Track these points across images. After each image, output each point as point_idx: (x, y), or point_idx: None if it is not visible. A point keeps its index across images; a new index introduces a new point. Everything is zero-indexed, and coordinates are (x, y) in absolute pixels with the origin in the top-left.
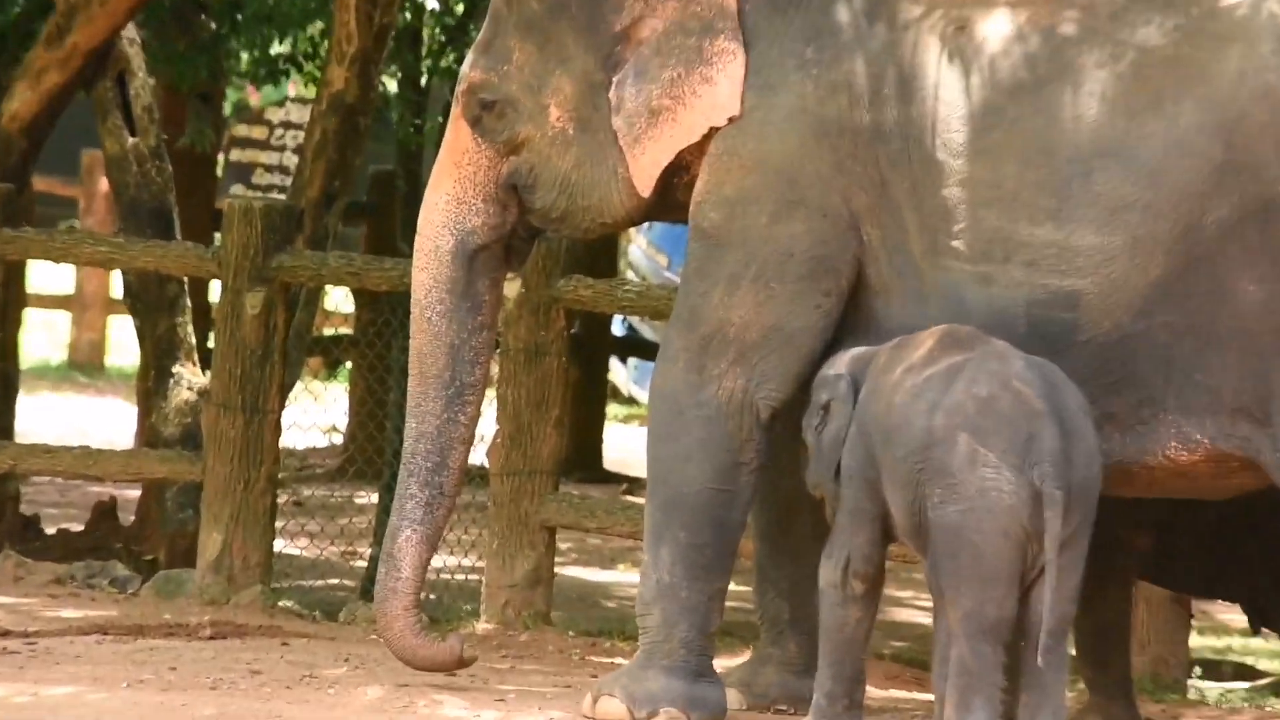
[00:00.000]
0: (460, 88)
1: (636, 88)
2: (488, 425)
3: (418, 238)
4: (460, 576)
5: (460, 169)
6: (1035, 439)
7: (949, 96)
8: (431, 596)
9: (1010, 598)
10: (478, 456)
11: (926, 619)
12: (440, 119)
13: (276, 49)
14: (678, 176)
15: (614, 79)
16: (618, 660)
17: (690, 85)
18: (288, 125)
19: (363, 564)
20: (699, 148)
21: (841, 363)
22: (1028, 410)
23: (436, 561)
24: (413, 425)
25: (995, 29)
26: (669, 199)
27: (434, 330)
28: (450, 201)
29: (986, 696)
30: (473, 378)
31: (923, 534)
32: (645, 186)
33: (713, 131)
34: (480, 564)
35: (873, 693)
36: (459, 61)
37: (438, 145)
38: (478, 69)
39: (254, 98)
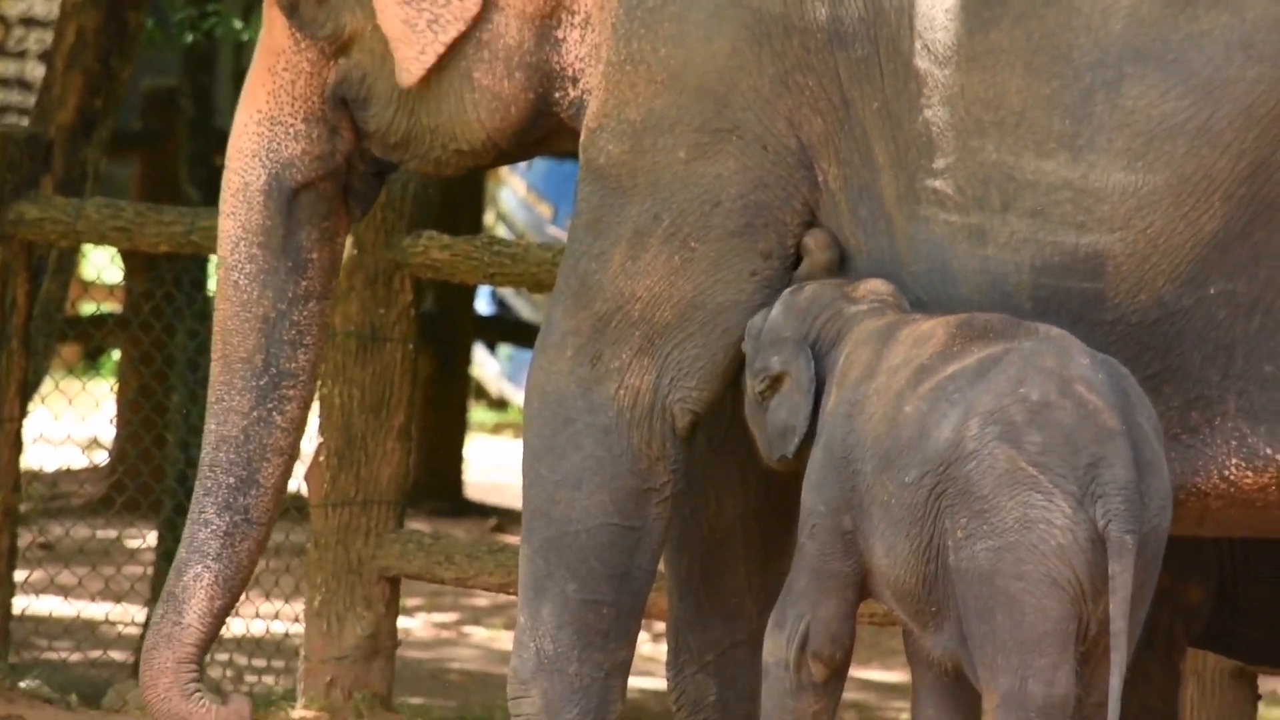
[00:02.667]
0: None
1: None
2: (308, 437)
3: (225, 173)
4: (269, 642)
5: (275, 77)
6: (1103, 465)
7: None
8: (226, 672)
9: (1063, 669)
10: (294, 480)
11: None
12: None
13: None
14: (560, 90)
15: None
16: None
17: None
18: (30, 23)
19: (136, 629)
20: (591, 52)
21: (790, 314)
22: (1096, 426)
23: (236, 623)
24: (212, 427)
25: None
26: (550, 122)
27: (242, 298)
28: (261, 122)
29: None
30: (294, 364)
31: (936, 589)
32: (409, 77)
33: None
34: (297, 627)
35: None
36: None
37: (239, 52)
38: None
39: None
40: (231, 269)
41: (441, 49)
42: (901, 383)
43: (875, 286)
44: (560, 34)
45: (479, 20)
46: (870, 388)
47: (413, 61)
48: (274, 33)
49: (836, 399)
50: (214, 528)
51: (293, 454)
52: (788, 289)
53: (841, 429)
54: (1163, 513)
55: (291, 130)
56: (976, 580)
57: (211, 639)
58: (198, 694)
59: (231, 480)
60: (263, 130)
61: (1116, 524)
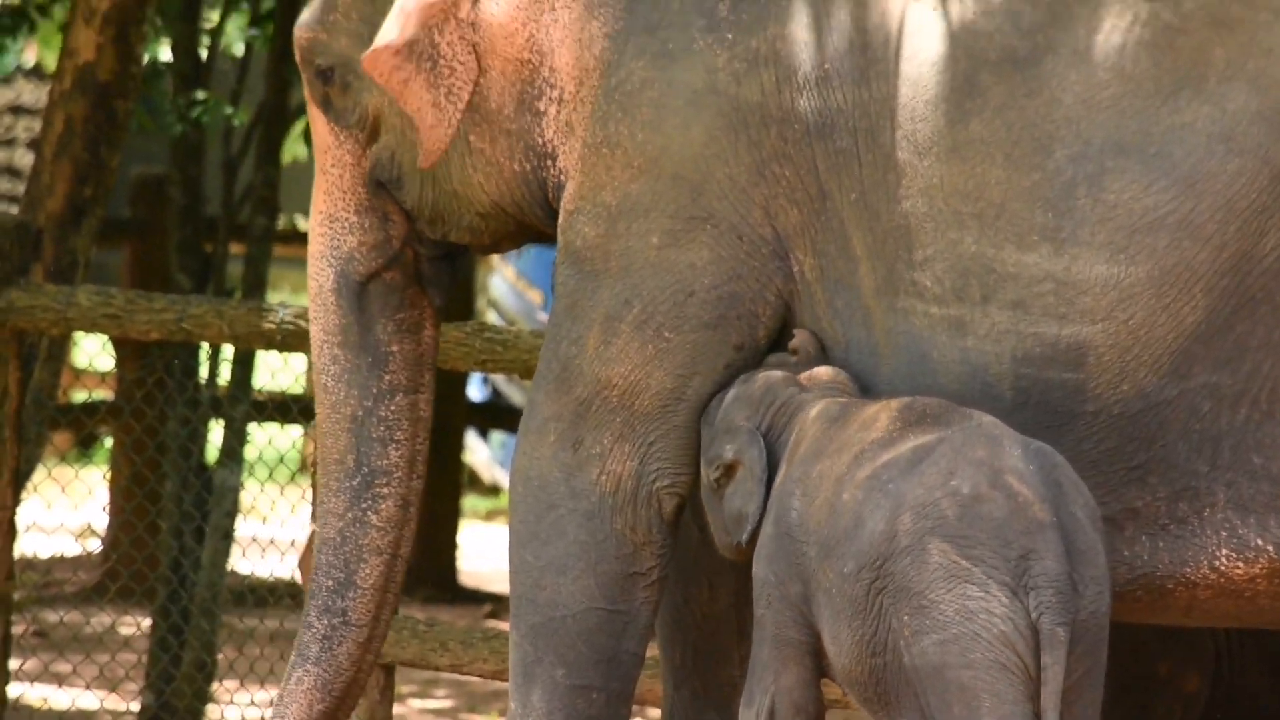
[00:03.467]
0: (297, 58)
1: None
2: (301, 526)
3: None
4: None
5: (327, 175)
6: (1034, 557)
7: (914, 73)
8: None
9: None
10: (289, 568)
11: None
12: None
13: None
14: (542, 165)
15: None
16: None
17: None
18: (18, 110)
19: (130, 717)
20: (565, 129)
21: (741, 404)
22: (1025, 519)
23: (231, 711)
24: (317, 529)
25: None
26: (546, 201)
27: (330, 400)
28: (322, 222)
29: None
30: (386, 460)
31: (885, 680)
32: (428, 157)
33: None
34: None
35: None
36: (254, 21)
37: (223, 137)
38: (304, 26)
39: None
40: (319, 372)
41: (459, 116)
42: (841, 468)
43: (825, 374)
44: (540, 106)
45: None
46: (814, 470)
47: (439, 139)
48: (318, 131)
49: (784, 476)
50: (315, 630)
51: (395, 552)
52: (740, 378)
53: (787, 506)
54: (1099, 599)
55: (347, 224)
56: (929, 675)
57: None
58: None
59: (330, 583)
60: (324, 230)
61: (1048, 616)
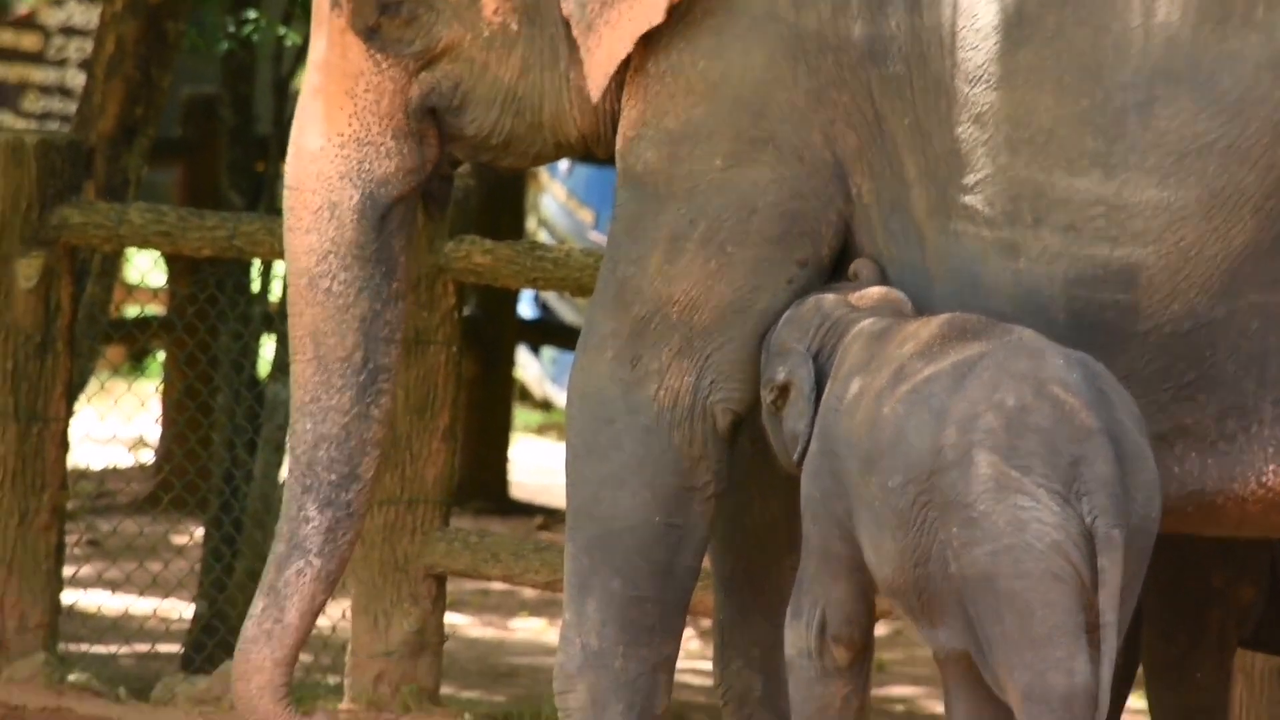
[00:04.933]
0: None
1: None
2: None
3: (294, 193)
4: (316, 638)
5: (356, 100)
6: (1084, 464)
7: (965, 2)
8: None
9: (1079, 658)
10: None
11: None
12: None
13: None
14: (619, 99)
15: None
16: None
17: None
18: (69, 31)
19: (184, 624)
20: (631, 61)
21: (793, 325)
22: (1073, 426)
23: None
24: (308, 426)
25: None
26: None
27: (337, 302)
28: (348, 144)
29: None
30: (388, 359)
31: (928, 590)
32: (597, 88)
33: (680, 6)
34: (344, 623)
35: None
36: None
37: (277, 60)
38: None
39: None
40: (320, 277)
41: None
42: (882, 383)
43: (876, 294)
44: None
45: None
46: (856, 385)
47: (599, 74)
48: (350, 57)
49: (828, 392)
50: (315, 524)
51: (383, 446)
52: (795, 302)
53: (830, 422)
54: (1149, 504)
55: (383, 149)
56: (980, 585)
57: (307, 636)
58: (286, 699)
59: (333, 477)
60: (349, 152)
61: (1103, 519)
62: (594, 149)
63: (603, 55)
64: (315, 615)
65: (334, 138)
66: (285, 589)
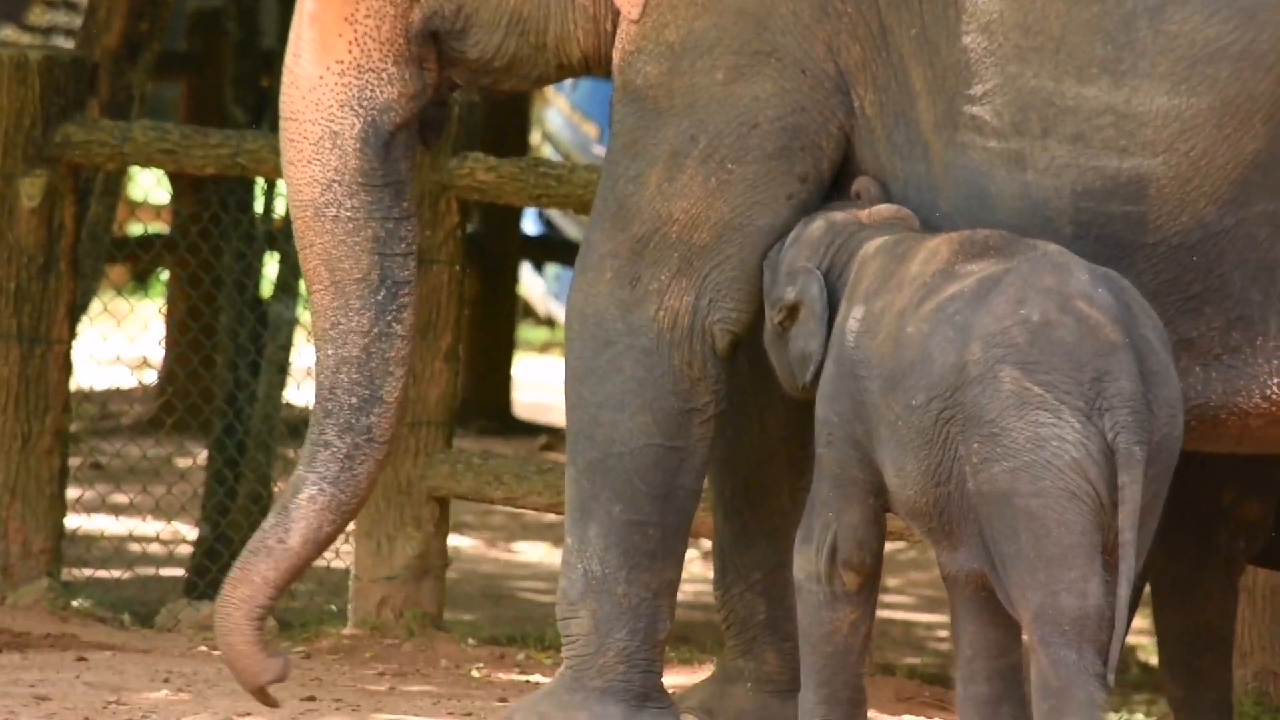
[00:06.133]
0: None
1: None
2: None
3: (292, 124)
4: (318, 563)
5: (356, 25)
6: (1108, 379)
7: None
8: None
9: (1093, 580)
10: None
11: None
12: None
13: None
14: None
15: None
16: (534, 678)
17: None
18: None
19: (187, 548)
20: None
21: (802, 245)
22: (1098, 341)
23: None
24: (329, 352)
25: None
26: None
27: (347, 227)
28: (347, 71)
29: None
30: (407, 271)
31: (949, 510)
32: (634, 5)
33: None
34: (346, 548)
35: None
36: None
37: None
38: None
39: None
40: (327, 206)
41: None
42: (904, 301)
43: (886, 211)
44: None
45: None
46: (876, 305)
47: None
48: None
49: (845, 313)
50: (334, 449)
51: (408, 367)
52: (801, 220)
53: (849, 343)
54: (1173, 422)
55: (385, 75)
56: (996, 502)
57: (308, 565)
58: (260, 623)
59: (354, 400)
60: (349, 79)
61: (1125, 436)
62: (594, 68)
63: None
64: (321, 544)
65: (333, 65)
66: (295, 512)
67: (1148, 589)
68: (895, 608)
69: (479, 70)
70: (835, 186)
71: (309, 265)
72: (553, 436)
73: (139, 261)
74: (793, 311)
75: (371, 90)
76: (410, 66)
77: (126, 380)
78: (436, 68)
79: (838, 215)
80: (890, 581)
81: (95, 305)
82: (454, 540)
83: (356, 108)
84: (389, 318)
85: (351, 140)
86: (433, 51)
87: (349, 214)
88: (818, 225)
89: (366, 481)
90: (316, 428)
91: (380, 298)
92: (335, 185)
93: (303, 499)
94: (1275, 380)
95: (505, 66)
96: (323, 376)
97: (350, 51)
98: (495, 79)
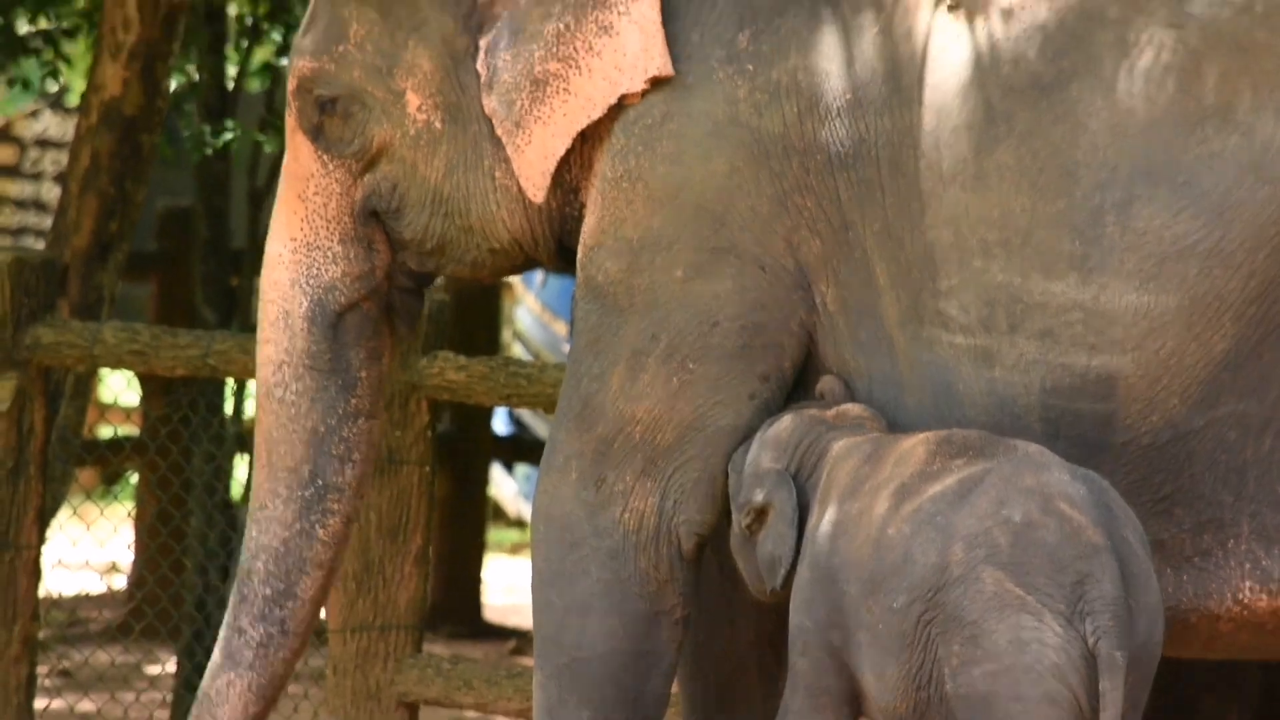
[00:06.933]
0: (290, 86)
1: (512, 51)
2: None
3: (261, 303)
4: None
5: (307, 203)
6: (1090, 582)
7: (938, 101)
8: None
9: None
10: None
11: None
12: (259, 131)
13: (25, 29)
14: (563, 199)
15: (482, 43)
16: None
17: (584, 38)
18: (45, 144)
19: None
20: (587, 165)
21: (769, 447)
22: (1080, 543)
23: None
24: (254, 534)
25: (1004, 5)
26: (569, 228)
27: (289, 412)
28: (298, 250)
29: None
30: (341, 478)
31: (929, 715)
32: (536, 189)
33: (623, 104)
34: None
35: None
36: (282, 51)
37: (248, 169)
38: (305, 56)
39: None
40: (275, 386)
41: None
42: (884, 504)
43: (853, 411)
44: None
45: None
46: (853, 507)
47: (535, 173)
48: (300, 159)
49: (819, 518)
50: (248, 637)
51: (332, 569)
52: (766, 422)
53: (825, 548)
54: (1153, 626)
55: (330, 254)
56: (975, 705)
57: None
58: None
59: (269, 591)
60: (299, 258)
61: (1106, 641)
62: (532, 253)
63: (535, 154)
64: None
65: (288, 243)
66: (217, 698)
67: None
68: None
69: (419, 253)
70: (799, 384)
71: (256, 443)
72: (523, 640)
73: (109, 464)
74: (761, 515)
75: (318, 268)
76: (355, 246)
77: (95, 586)
78: (385, 249)
79: (805, 414)
80: None
81: (64, 509)
82: None
83: (305, 285)
84: (313, 518)
85: (300, 319)
86: (380, 231)
87: (293, 398)
88: (784, 426)
89: (283, 669)
90: (233, 612)
91: (308, 494)
92: (284, 366)
93: (222, 684)
94: (1247, 584)
95: (437, 248)
96: (245, 557)
97: (302, 229)
98: (434, 262)
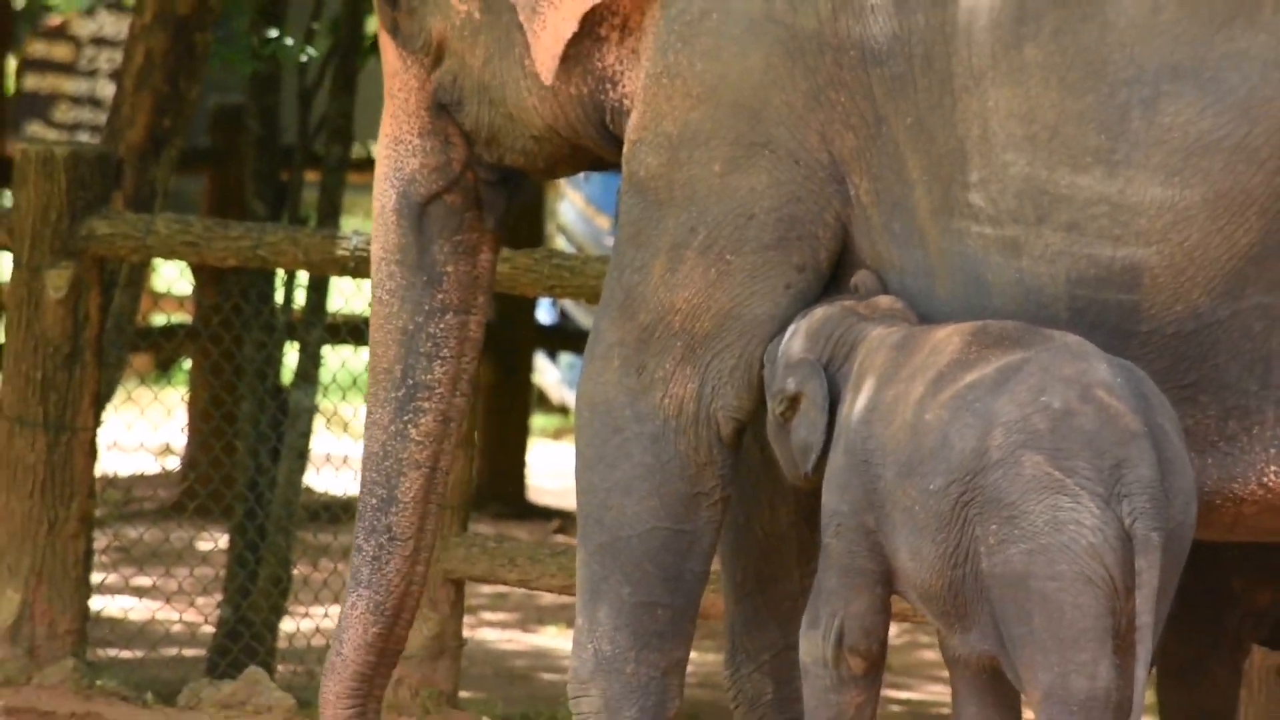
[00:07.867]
0: None
1: None
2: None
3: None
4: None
5: (394, 99)
6: (1127, 466)
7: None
8: (296, 669)
9: (1104, 663)
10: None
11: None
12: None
13: None
14: (602, 91)
15: None
16: None
17: None
18: (100, 42)
19: (209, 629)
20: (629, 56)
21: (801, 337)
22: (1118, 429)
23: (305, 623)
24: (364, 445)
25: None
26: (603, 125)
27: (384, 312)
28: (387, 144)
29: None
30: (430, 376)
31: (964, 592)
32: (547, 71)
33: None
34: None
35: None
36: None
37: (302, 71)
38: None
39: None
40: (375, 286)
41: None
42: (920, 390)
43: (884, 303)
44: (601, 31)
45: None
46: (889, 394)
47: (547, 56)
48: (389, 57)
49: (852, 405)
50: (364, 553)
51: (434, 466)
52: (800, 313)
53: (860, 434)
54: (1187, 510)
55: (410, 147)
56: (1011, 584)
57: (374, 666)
58: None
59: (374, 501)
60: (388, 152)
61: (1142, 522)
62: (576, 142)
63: (549, 38)
64: (373, 647)
65: (383, 139)
66: (343, 623)
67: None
68: (897, 687)
69: (481, 145)
70: (835, 278)
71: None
72: (566, 520)
73: (162, 351)
74: (794, 403)
75: (401, 162)
76: (433, 139)
77: (150, 466)
78: (461, 143)
79: (837, 307)
80: (891, 660)
81: (120, 393)
82: (468, 623)
83: (393, 179)
84: (405, 418)
85: (390, 213)
86: (453, 125)
87: (386, 296)
88: (817, 317)
89: (398, 579)
90: (356, 529)
91: (399, 395)
92: (381, 261)
93: (347, 608)
94: (1273, 468)
95: (491, 137)
96: (362, 471)
97: (391, 125)
98: (495, 153)
